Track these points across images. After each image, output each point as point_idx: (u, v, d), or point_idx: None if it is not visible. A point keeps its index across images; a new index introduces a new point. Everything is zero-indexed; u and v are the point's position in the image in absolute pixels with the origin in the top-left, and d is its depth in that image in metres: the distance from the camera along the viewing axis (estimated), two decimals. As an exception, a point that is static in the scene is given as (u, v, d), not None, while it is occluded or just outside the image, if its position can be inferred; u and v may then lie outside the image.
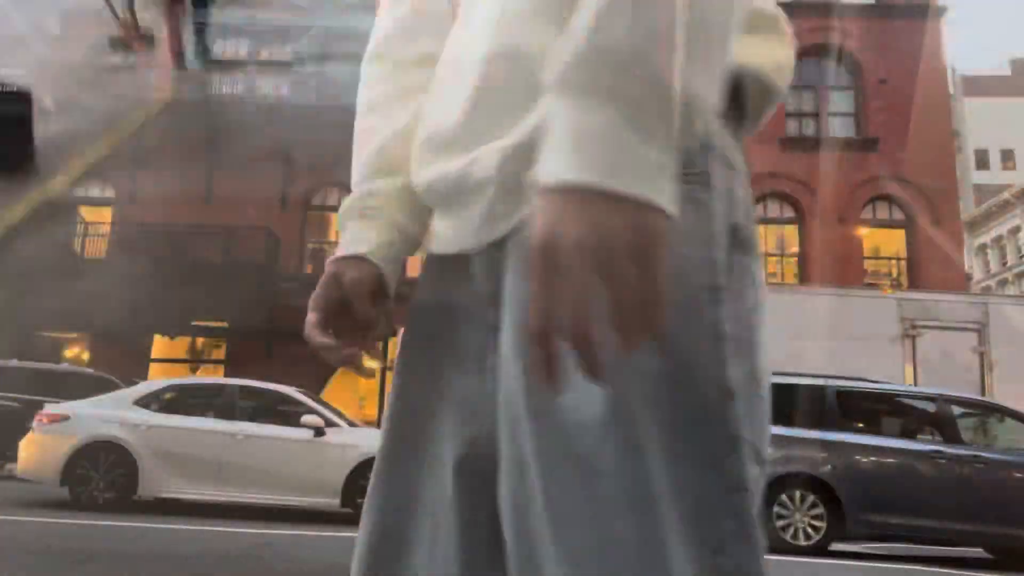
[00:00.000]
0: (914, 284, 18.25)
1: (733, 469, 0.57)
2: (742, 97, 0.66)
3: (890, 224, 19.15)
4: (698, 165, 0.59)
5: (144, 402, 8.18)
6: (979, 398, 8.48)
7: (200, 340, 19.07)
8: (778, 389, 8.01)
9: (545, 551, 0.59)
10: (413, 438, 0.76)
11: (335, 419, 8.15)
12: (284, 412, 8.25)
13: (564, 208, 0.48)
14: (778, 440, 7.73)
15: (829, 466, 7.57)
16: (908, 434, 8.04)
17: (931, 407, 8.05)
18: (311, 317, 0.79)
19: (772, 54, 0.69)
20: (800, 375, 8.74)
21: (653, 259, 0.48)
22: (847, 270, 18.36)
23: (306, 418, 7.95)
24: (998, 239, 41.77)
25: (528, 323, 0.50)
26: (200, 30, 18.91)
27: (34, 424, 8.07)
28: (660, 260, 0.48)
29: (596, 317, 0.48)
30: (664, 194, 0.49)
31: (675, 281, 0.52)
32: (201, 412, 8.22)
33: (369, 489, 0.78)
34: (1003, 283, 41.09)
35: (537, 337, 0.49)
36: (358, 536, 0.77)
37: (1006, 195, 40.03)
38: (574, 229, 0.47)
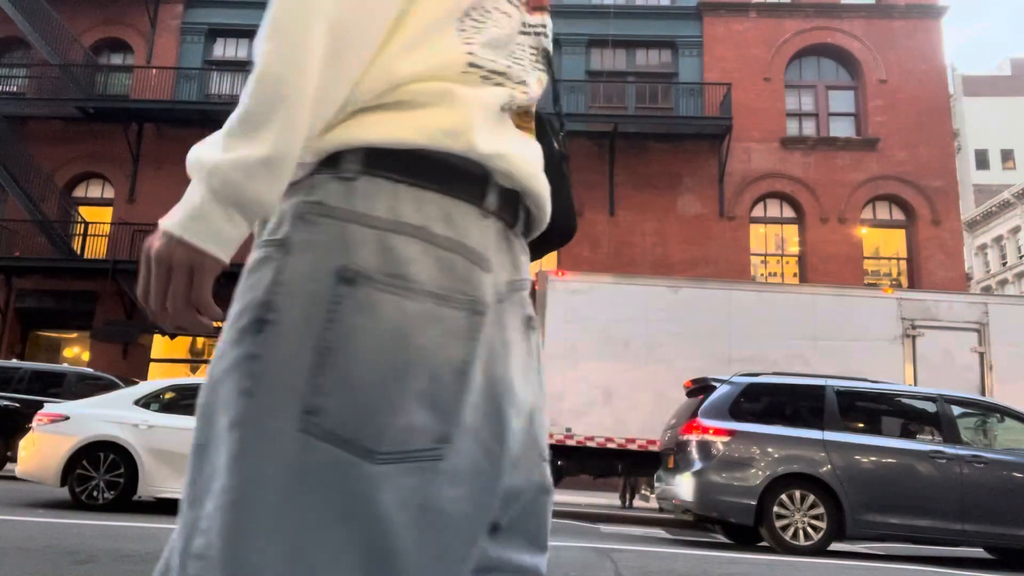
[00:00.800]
0: (914, 284, 18.26)
1: (235, 418, 0.81)
2: (391, 163, 0.86)
3: (890, 224, 19.15)
4: (279, 234, 0.85)
5: (144, 402, 8.18)
6: (979, 398, 8.46)
7: (200, 340, 19.07)
8: (778, 389, 8.04)
9: None
10: None
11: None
12: (284, 412, 8.24)
13: (161, 237, 0.81)
14: (778, 440, 7.74)
15: (829, 466, 7.57)
16: (908, 434, 8.04)
17: (931, 407, 8.06)
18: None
19: (438, 122, 0.87)
20: (800, 375, 8.75)
21: (195, 275, 0.80)
22: (847, 270, 18.37)
23: (306, 418, 7.95)
24: (998, 239, 41.77)
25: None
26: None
27: (34, 424, 8.06)
28: (199, 276, 0.80)
29: (159, 296, 0.82)
30: (209, 244, 0.80)
31: (236, 311, 0.85)
32: (201, 412, 8.21)
33: None
34: (1003, 283, 41.09)
35: (139, 299, 0.84)
36: None
37: (1006, 195, 40.04)
38: (157, 247, 0.81)
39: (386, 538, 0.80)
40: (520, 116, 1.00)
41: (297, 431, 0.79)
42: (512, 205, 0.95)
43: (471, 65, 0.90)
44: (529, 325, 0.99)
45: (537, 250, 1.11)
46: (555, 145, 1.08)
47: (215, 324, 0.85)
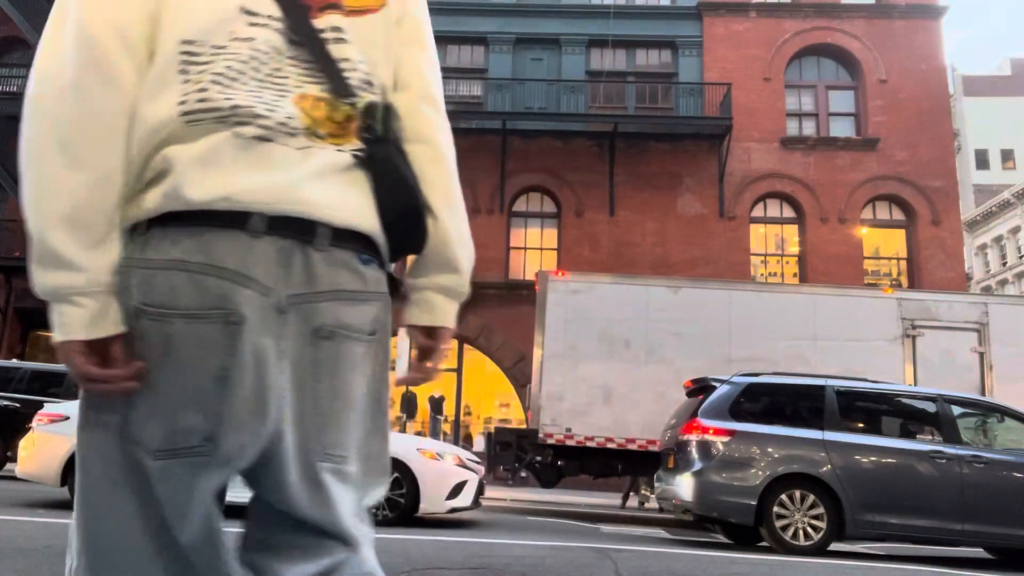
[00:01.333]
0: (914, 284, 18.26)
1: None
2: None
3: (890, 224, 19.15)
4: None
5: (144, 402, 8.17)
6: (979, 398, 8.47)
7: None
8: (778, 389, 8.03)
9: None
10: None
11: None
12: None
13: None
14: (778, 440, 7.74)
15: (829, 466, 7.57)
16: (908, 434, 8.04)
17: (931, 407, 8.05)
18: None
19: (161, 191, 0.99)
20: (800, 375, 8.75)
21: (67, 357, 1.00)
22: (847, 270, 18.37)
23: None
24: (998, 239, 41.77)
25: None
26: None
27: (34, 424, 8.06)
28: (71, 360, 0.99)
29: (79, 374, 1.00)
30: (59, 336, 0.99)
31: None
32: (201, 412, 8.19)
33: None
34: (1003, 283, 41.09)
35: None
36: None
37: (1006, 195, 40.04)
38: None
39: (166, 519, 1.00)
40: (335, 124, 1.04)
41: (113, 436, 1.00)
42: (296, 224, 1.00)
43: (186, 115, 0.99)
44: (319, 335, 1.03)
45: (400, 246, 1.13)
46: (373, 137, 1.08)
47: (130, 382, 0.99)
